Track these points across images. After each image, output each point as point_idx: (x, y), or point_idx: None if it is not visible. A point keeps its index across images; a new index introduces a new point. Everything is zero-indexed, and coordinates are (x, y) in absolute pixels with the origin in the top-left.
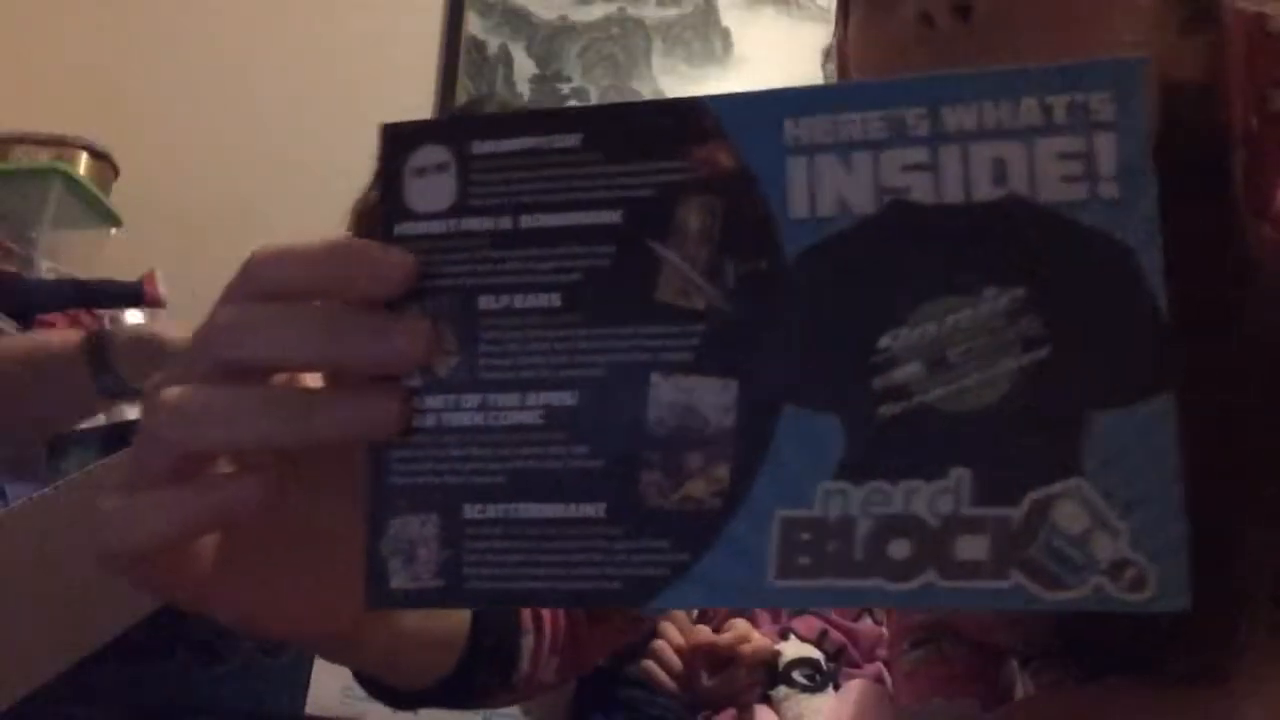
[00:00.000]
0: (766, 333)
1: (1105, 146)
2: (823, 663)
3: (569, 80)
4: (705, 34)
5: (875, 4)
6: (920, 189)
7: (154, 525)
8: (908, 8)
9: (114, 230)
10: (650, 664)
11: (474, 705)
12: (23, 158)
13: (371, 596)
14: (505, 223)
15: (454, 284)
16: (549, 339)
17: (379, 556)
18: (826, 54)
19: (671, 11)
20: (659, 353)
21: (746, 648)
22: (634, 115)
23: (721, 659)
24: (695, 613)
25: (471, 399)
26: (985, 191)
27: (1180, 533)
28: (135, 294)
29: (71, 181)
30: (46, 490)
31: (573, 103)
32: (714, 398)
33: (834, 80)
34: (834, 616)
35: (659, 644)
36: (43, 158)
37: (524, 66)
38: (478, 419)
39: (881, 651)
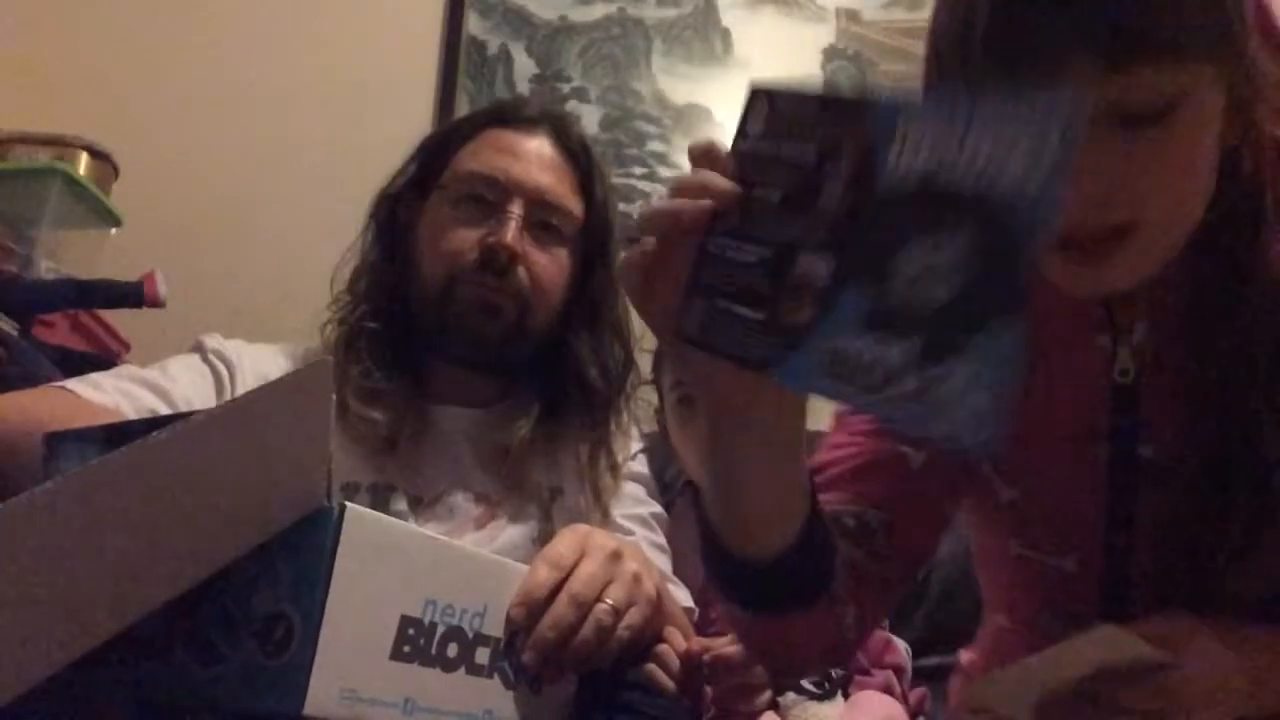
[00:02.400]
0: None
1: None
2: (831, 670)
3: (569, 80)
4: (705, 34)
5: None
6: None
7: None
8: None
9: (114, 230)
10: (653, 667)
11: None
12: (23, 158)
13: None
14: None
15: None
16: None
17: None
18: (827, 54)
19: (671, 11)
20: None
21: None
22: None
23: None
24: (697, 618)
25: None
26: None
27: None
28: (135, 294)
29: (71, 181)
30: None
31: (572, 102)
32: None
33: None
34: None
35: (662, 648)
36: (43, 158)
37: (524, 66)
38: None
39: (889, 659)
